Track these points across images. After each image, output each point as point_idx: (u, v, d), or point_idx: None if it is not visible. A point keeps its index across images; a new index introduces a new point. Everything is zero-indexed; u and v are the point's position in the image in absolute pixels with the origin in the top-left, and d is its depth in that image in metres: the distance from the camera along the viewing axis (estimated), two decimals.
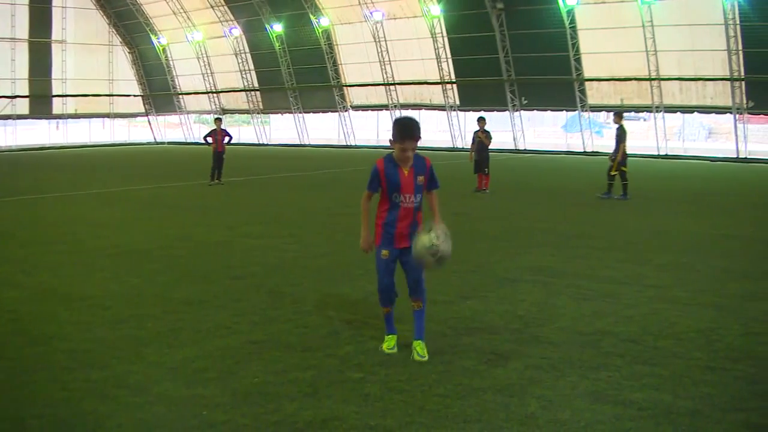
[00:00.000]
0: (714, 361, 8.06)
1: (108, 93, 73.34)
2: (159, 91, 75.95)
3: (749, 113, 49.70)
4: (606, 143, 50.89)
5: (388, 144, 8.31)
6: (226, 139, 30.24)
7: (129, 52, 75.51)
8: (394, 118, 8.29)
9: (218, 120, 31.54)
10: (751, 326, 9.41)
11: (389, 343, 8.41)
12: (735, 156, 49.03)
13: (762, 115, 55.61)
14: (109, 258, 14.08)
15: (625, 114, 26.91)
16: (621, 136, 24.53)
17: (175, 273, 12.64)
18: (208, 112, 73.05)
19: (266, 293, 11.01)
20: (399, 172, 8.16)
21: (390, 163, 8.25)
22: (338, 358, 8.01)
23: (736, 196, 25.99)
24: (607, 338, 8.81)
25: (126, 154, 56.66)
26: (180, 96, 74.85)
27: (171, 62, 74.20)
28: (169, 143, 73.66)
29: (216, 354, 8.12)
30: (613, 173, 24.43)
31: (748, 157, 48.80)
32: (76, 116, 72.41)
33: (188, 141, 73.40)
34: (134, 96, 76.15)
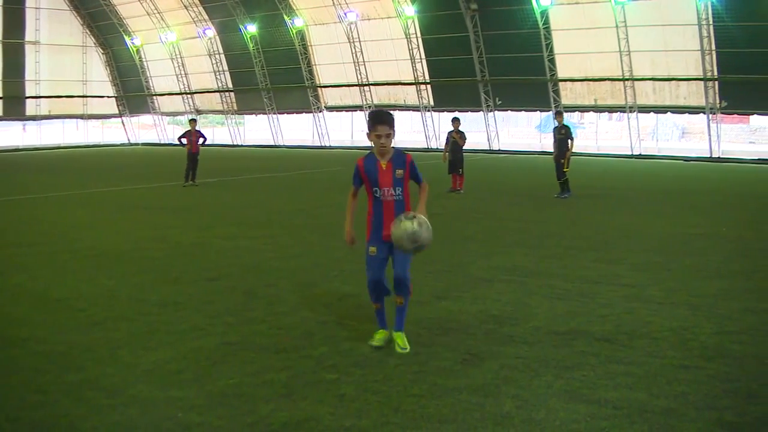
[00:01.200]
0: (688, 359, 8.11)
1: (82, 94, 73.09)
2: (133, 92, 75.74)
3: (722, 113, 49.92)
4: (581, 143, 51.08)
5: (367, 140, 8.49)
6: (201, 140, 30.13)
7: (103, 53, 75.28)
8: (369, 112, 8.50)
9: (193, 121, 31.41)
10: (725, 325, 9.48)
11: (379, 336, 8.56)
12: (708, 155, 49.24)
13: (735, 115, 55.93)
14: (83, 260, 14.04)
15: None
16: (570, 133, 25.03)
17: (150, 275, 12.62)
18: (182, 113, 72.83)
19: (241, 294, 11.01)
20: (378, 167, 8.39)
21: (370, 158, 8.50)
22: (313, 359, 8.02)
23: (709, 195, 26.10)
24: (581, 338, 8.86)
25: (100, 155, 56.48)
26: (154, 97, 74.65)
27: (145, 63, 74.02)
28: (143, 144, 73.47)
29: (191, 356, 8.12)
30: (566, 170, 24.62)
31: (722, 156, 49.03)
32: (49, 117, 72.13)
33: (162, 142, 73.23)
34: (108, 97, 75.91)
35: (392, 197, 8.44)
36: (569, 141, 24.85)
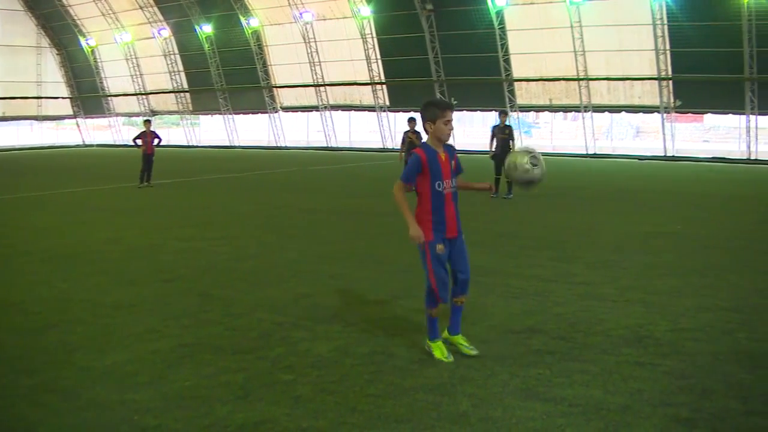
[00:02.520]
0: (643, 356, 8.18)
1: (36, 95, 72.53)
2: (88, 94, 75.27)
3: (676, 112, 50.30)
4: (537, 143, 51.30)
5: (423, 131, 8.39)
6: (156, 141, 30.01)
7: (57, 54, 74.80)
8: (424, 103, 8.17)
9: (147, 122, 31.26)
10: (679, 322, 9.56)
11: (443, 351, 8.21)
12: (663, 154, 49.58)
13: (689, 114, 56.33)
14: (38, 262, 13.93)
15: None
16: (513, 134, 25.55)
17: (106, 277, 12.55)
18: (137, 114, 72.42)
19: (196, 296, 10.97)
20: (438, 158, 8.16)
21: (428, 150, 8.22)
22: (269, 360, 8.01)
23: (663, 193, 26.27)
24: (537, 336, 8.90)
25: (54, 157, 56.05)
26: (109, 98, 74.24)
27: (100, 64, 73.61)
28: (98, 145, 73.03)
29: (147, 358, 8.09)
30: None
31: (676, 155, 49.36)
32: (4, 119, 71.57)
33: (117, 143, 72.80)
34: (63, 98, 75.41)
35: (451, 189, 8.28)
36: (511, 141, 25.16)
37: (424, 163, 8.11)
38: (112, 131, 75.45)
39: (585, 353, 8.26)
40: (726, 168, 43.41)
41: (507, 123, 25.44)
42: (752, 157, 48.45)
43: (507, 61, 53.52)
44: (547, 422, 6.40)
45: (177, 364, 7.89)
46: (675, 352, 8.33)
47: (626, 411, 6.65)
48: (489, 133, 25.74)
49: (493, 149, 25.35)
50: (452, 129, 8.36)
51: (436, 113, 8.16)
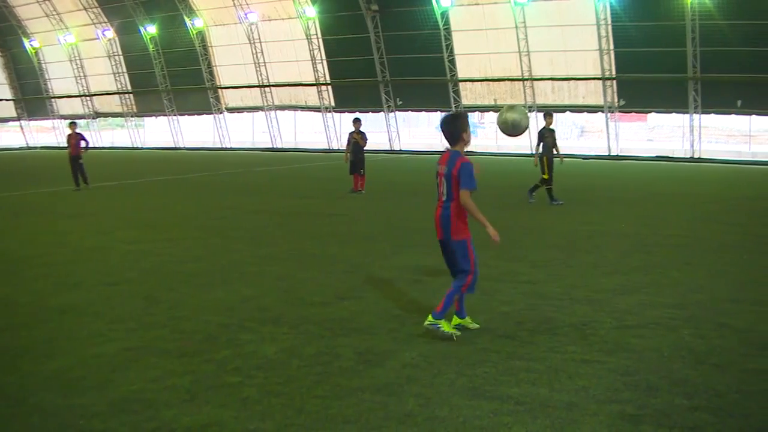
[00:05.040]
0: (588, 354, 8.25)
1: None
2: (31, 95, 74.65)
3: (620, 111, 50.81)
4: (480, 143, 51.57)
5: (463, 138, 9.03)
6: (82, 143, 29.62)
7: (1, 56, 74.07)
8: (450, 115, 8.95)
9: (72, 124, 30.79)
10: (624, 319, 9.66)
11: (451, 326, 9.08)
12: (607, 153, 49.98)
13: (633, 113, 56.82)
14: None
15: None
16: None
17: (50, 280, 12.42)
18: (82, 116, 71.92)
19: (142, 299, 10.89)
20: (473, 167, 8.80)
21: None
22: (215, 362, 7.98)
23: (607, 192, 26.46)
24: (483, 335, 8.94)
25: None
26: (53, 100, 73.68)
27: (43, 65, 73.09)
28: (41, 148, 72.43)
29: (92, 362, 8.02)
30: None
31: (620, 154, 49.80)
32: None
33: (61, 145, 71.76)
34: (5, 100, 74.69)
35: None
36: (555, 147, 23.94)
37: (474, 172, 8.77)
38: (56, 133, 74.86)
39: (531, 351, 8.31)
40: (670, 166, 43.79)
41: (552, 126, 24.22)
42: (696, 156, 48.94)
43: (452, 61, 53.76)
44: (494, 421, 6.43)
45: (123, 368, 7.84)
46: (620, 349, 8.40)
47: (572, 408, 6.70)
48: (536, 138, 24.21)
49: (540, 151, 23.85)
50: None
51: (467, 126, 8.99)
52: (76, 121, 33.79)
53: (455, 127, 8.93)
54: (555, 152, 23.73)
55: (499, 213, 20.76)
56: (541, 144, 23.66)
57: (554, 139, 23.77)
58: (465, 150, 9.00)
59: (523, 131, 10.16)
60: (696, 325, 9.36)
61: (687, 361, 8.01)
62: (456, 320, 9.16)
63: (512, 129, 10.04)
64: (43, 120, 77.15)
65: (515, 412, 6.62)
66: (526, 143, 52.58)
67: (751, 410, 6.67)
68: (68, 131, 30.37)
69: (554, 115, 24.59)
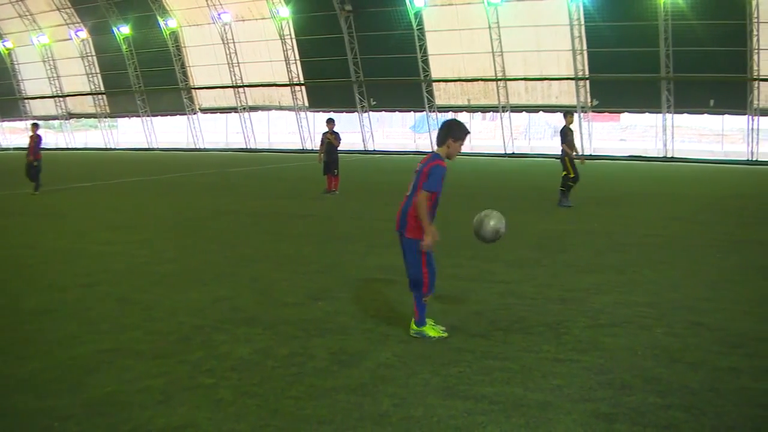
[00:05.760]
0: (562, 353, 8.28)
1: None
2: (4, 96, 74.31)
3: (593, 111, 51.03)
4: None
5: (446, 140, 8.97)
6: (35, 144, 28.96)
7: None
8: (445, 121, 9.00)
9: (34, 125, 30.33)
10: (598, 318, 9.71)
11: (437, 329, 9.06)
12: (580, 153, 50.15)
13: (606, 113, 57.10)
14: None
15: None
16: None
17: (23, 282, 12.34)
18: (55, 117, 71.71)
19: (115, 301, 10.84)
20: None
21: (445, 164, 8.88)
22: (190, 364, 7.95)
23: (580, 192, 26.44)
24: (457, 334, 8.94)
25: None
26: (25, 100, 73.37)
27: (16, 66, 72.77)
28: (14, 149, 72.00)
29: (66, 364, 7.98)
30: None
31: (593, 154, 49.96)
32: None
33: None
34: None
35: None
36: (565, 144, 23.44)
37: (444, 177, 8.76)
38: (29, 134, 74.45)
39: (505, 351, 8.33)
40: (643, 166, 44.00)
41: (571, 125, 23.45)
42: (669, 155, 49.20)
43: (425, 61, 53.90)
44: (468, 420, 6.43)
45: (97, 370, 7.79)
46: (594, 348, 8.44)
47: (547, 407, 6.71)
48: (559, 137, 23.68)
49: (561, 151, 23.41)
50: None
51: (460, 135, 8.96)
52: (38, 122, 33.14)
53: (446, 131, 8.97)
54: (575, 152, 23.53)
55: (473, 213, 20.78)
56: (564, 143, 23.30)
57: (573, 139, 23.50)
58: (449, 157, 8.96)
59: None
60: (669, 324, 9.41)
61: (660, 359, 8.05)
62: (414, 328, 9.05)
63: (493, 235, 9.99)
64: (16, 121, 76.78)
65: (489, 411, 6.63)
66: (499, 143, 52.85)
67: (724, 408, 6.70)
68: (30, 132, 29.81)
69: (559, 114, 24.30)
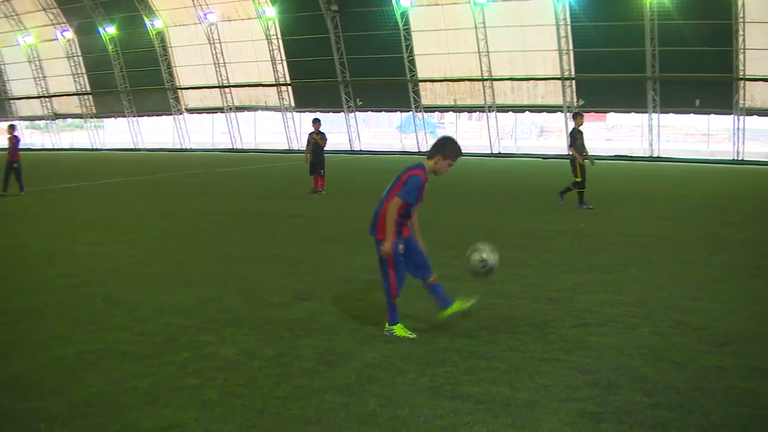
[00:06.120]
0: (548, 352, 8.29)
1: None
2: None
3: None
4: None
5: (435, 155, 9.02)
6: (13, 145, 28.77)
7: None
8: (442, 137, 9.13)
9: (11, 127, 30.12)
10: (583, 318, 9.72)
11: (405, 330, 9.08)
12: (566, 153, 50.18)
13: (592, 113, 57.17)
14: None
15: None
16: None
17: (9, 283, 12.30)
18: (41, 118, 71.57)
19: (102, 301, 10.80)
20: (425, 187, 8.93)
21: (426, 177, 8.98)
22: (176, 364, 7.93)
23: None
24: (443, 334, 8.95)
25: None
26: (11, 101, 73.16)
27: (2, 66, 72.60)
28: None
29: (52, 365, 7.95)
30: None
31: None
32: None
33: (20, 147, 71.66)
34: None
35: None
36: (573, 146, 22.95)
37: (422, 188, 8.90)
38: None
39: (491, 350, 8.33)
40: (629, 166, 44.08)
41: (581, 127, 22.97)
42: (654, 155, 49.30)
43: (412, 61, 53.91)
44: (455, 420, 6.44)
45: (83, 370, 7.77)
46: (580, 347, 8.45)
47: (533, 406, 6.72)
48: (569, 139, 23.19)
49: (570, 153, 23.04)
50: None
51: (452, 155, 8.97)
52: (14, 123, 32.93)
53: (438, 147, 9.04)
54: (585, 154, 22.92)
55: (459, 213, 20.85)
56: (572, 146, 22.80)
57: (583, 141, 22.89)
58: (435, 172, 9.01)
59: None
60: (655, 323, 9.43)
61: (647, 358, 8.06)
62: (387, 326, 9.13)
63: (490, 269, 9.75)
64: (1, 122, 76.51)
65: (476, 411, 6.63)
66: (486, 143, 52.88)
67: (710, 407, 6.71)
68: (8, 134, 29.60)
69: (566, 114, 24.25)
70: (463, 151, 9.29)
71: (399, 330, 8.97)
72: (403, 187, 8.76)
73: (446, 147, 8.96)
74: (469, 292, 10.87)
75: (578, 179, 22.71)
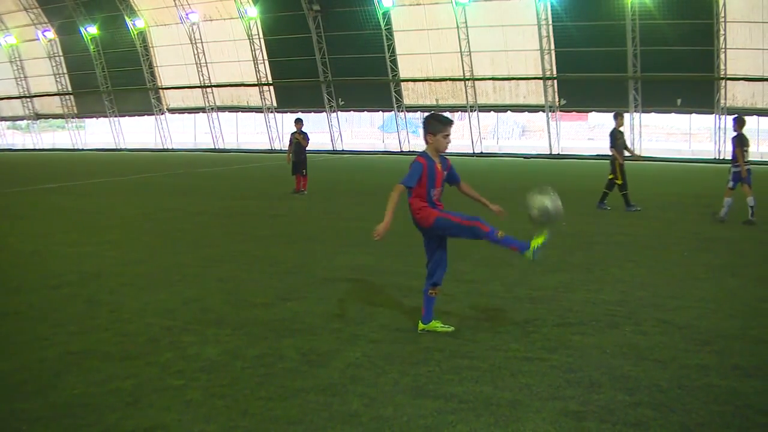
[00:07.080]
0: (531, 351, 8.30)
1: None
2: None
3: (561, 111, 51.23)
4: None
5: (425, 140, 9.15)
6: None
7: None
8: (424, 117, 9.12)
9: None
10: (566, 317, 9.76)
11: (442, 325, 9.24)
12: (548, 153, 50.30)
13: (574, 113, 57.36)
14: None
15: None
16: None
17: None
18: (22, 118, 71.36)
19: (84, 302, 10.77)
20: (435, 169, 8.94)
21: (428, 159, 9.00)
22: (158, 365, 7.91)
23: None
24: (426, 334, 8.97)
25: None
26: None
27: None
28: None
29: (34, 367, 7.92)
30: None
31: (561, 153, 50.16)
32: None
33: (1, 147, 71.56)
34: None
35: (439, 195, 9.27)
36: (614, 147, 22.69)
37: (423, 172, 8.89)
38: None
39: (474, 350, 8.35)
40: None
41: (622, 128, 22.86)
42: (636, 154, 49.36)
43: (394, 61, 53.94)
44: (438, 419, 6.44)
45: (65, 372, 7.74)
46: (562, 346, 8.47)
47: (516, 406, 6.73)
48: (609, 139, 22.90)
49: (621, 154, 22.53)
50: (450, 142, 9.14)
51: (438, 127, 8.98)
52: None
53: (424, 130, 9.17)
54: (628, 153, 22.83)
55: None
56: (613, 146, 22.52)
57: (624, 141, 22.70)
58: (438, 150, 9.09)
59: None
60: (638, 322, 9.46)
61: (629, 357, 8.09)
62: (421, 326, 9.16)
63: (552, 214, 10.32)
64: None
65: (459, 410, 6.64)
66: (468, 143, 52.94)
67: (692, 405, 6.74)
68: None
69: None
70: (447, 116, 9.30)
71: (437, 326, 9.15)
72: (408, 172, 8.78)
73: (430, 124, 9.02)
74: (449, 294, 10.95)
75: (619, 182, 22.50)
